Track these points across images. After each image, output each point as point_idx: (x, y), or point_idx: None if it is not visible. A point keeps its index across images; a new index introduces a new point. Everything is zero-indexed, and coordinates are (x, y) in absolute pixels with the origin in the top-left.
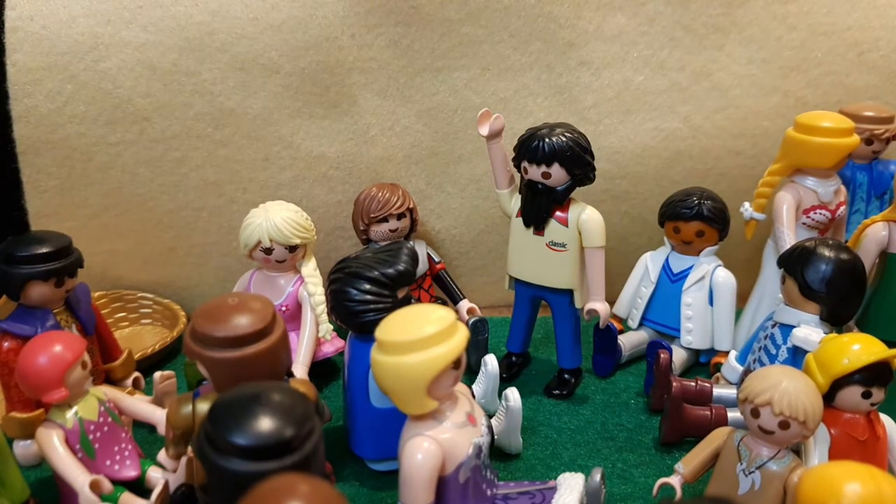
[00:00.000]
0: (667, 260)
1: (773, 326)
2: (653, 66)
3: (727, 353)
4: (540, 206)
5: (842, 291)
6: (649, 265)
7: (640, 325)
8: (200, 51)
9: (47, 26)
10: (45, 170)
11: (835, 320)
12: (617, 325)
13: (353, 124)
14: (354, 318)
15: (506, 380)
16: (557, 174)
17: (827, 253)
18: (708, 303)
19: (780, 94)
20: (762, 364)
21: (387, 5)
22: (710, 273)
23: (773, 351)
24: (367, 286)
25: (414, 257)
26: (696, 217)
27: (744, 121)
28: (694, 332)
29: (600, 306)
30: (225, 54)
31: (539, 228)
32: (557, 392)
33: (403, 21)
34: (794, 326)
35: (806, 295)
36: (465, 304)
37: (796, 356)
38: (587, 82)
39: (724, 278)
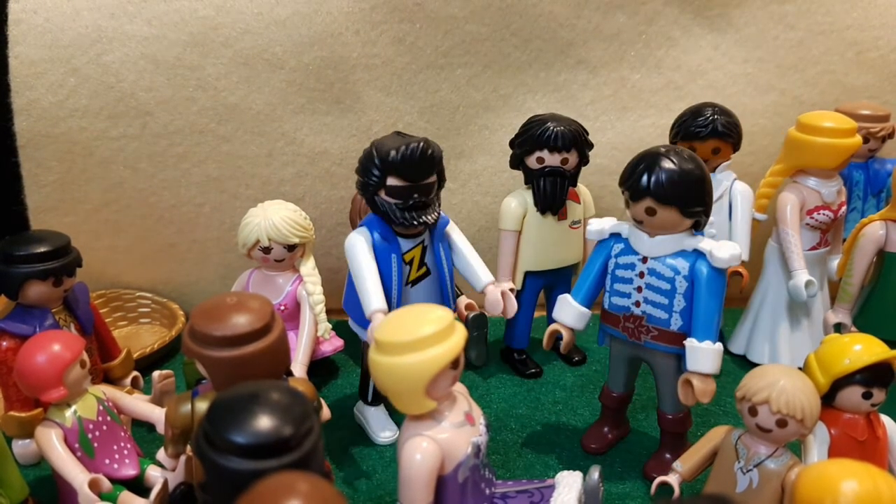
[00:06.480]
0: None
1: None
2: (649, 65)
3: (743, 262)
4: (561, 191)
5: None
6: None
7: None
8: (204, 45)
9: (51, 19)
10: (46, 164)
11: None
12: None
13: (356, 121)
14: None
15: (535, 375)
16: (573, 159)
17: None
18: (728, 217)
19: (776, 93)
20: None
21: (391, 2)
22: (728, 189)
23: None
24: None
25: (427, 149)
26: (711, 135)
27: (740, 118)
28: None
29: None
30: (229, 49)
31: (561, 213)
32: (579, 359)
33: (408, 18)
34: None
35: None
36: (462, 301)
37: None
38: (584, 80)
39: (743, 190)
